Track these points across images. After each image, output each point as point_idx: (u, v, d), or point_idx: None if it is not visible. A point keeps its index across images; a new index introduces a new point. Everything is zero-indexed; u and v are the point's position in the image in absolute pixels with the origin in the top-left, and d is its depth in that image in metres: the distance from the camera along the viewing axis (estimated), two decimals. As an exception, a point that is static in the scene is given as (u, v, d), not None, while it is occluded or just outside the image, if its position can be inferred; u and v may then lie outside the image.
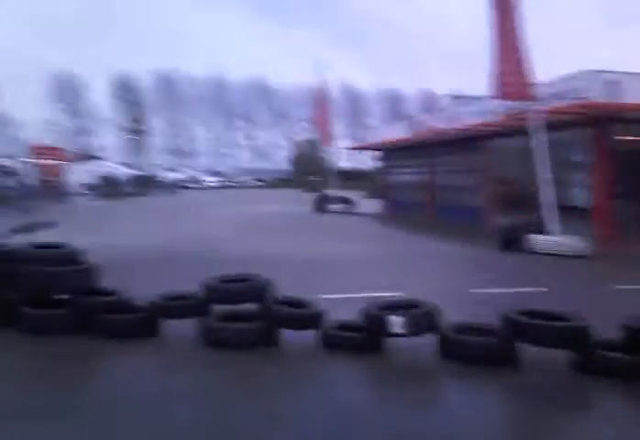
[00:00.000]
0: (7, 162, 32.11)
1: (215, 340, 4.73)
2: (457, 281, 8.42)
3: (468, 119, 18.60)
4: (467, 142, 19.33)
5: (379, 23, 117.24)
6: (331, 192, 27.24)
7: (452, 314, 5.19)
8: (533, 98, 12.38)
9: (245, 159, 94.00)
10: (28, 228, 10.82)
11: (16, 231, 9.64)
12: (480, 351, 4.44)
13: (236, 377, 4.12)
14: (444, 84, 75.91)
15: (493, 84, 12.19)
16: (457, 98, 28.57)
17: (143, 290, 6.15)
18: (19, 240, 7.19)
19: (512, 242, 12.40)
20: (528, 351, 4.41)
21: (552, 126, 13.63)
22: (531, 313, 4.47)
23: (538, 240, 11.91)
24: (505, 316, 4.48)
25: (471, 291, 7.52)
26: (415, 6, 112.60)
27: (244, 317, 4.99)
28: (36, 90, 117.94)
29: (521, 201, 17.19)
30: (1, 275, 5.12)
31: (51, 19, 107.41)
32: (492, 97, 12.90)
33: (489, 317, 4.68)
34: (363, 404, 3.75)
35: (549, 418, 3.56)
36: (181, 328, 5.03)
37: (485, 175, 18.68)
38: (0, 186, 25.84)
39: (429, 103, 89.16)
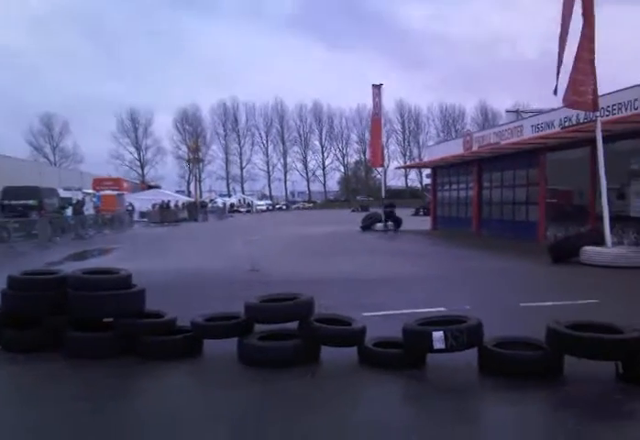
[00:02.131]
0: (70, 194, 33.53)
1: (255, 359, 4.76)
2: (508, 295, 8.19)
3: (525, 133, 18.39)
4: (521, 156, 19.01)
5: (434, 39, 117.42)
6: (379, 210, 27.16)
7: (501, 328, 5.06)
8: (597, 108, 12.10)
9: (297, 182, 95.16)
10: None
11: None
12: (524, 365, 4.29)
13: (274, 395, 4.11)
14: (502, 100, 75.31)
15: (566, 93, 11.99)
16: (515, 112, 28.27)
17: (187, 311, 6.28)
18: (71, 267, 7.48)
19: (566, 254, 12.01)
20: (575, 363, 4.25)
21: (612, 137, 13.31)
22: (578, 326, 4.32)
23: (594, 252, 11.47)
24: (551, 329, 4.34)
25: (522, 304, 7.31)
26: (472, 21, 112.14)
27: (284, 336, 5.01)
28: (103, 125, 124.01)
29: (576, 213, 16.72)
30: (51, 301, 5.31)
31: (115, 55, 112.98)
32: (564, 106, 12.68)
33: (538, 330, 4.53)
34: (401, 421, 3.68)
35: (591, 428, 3.42)
36: (223, 348, 5.08)
37: (539, 188, 18.25)
38: (62, 215, 26.96)
39: (487, 118, 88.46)
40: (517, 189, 19.99)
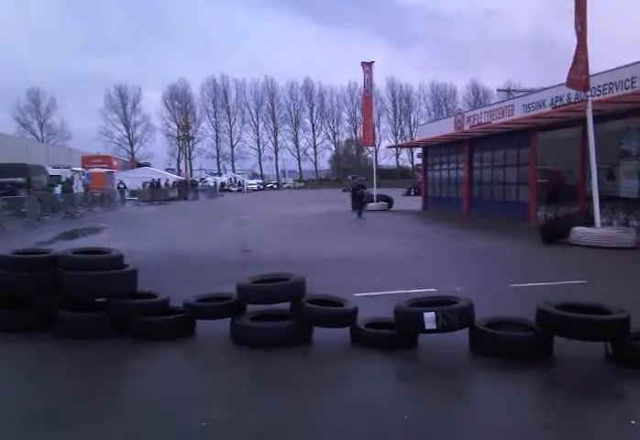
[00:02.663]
0: (58, 171, 33.17)
1: (247, 339, 4.78)
2: (498, 276, 8.26)
3: (516, 113, 18.34)
4: (512, 136, 19.00)
5: (426, 16, 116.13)
6: (371, 190, 27.14)
7: (491, 309, 5.11)
8: (588, 88, 12.06)
9: (288, 160, 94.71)
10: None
11: None
12: (514, 346, 4.35)
13: (266, 375, 4.15)
14: (494, 79, 75.05)
15: (569, 72, 11.91)
16: (506, 92, 28.18)
17: (180, 291, 6.29)
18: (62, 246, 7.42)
19: (556, 235, 12.09)
20: (565, 344, 4.31)
21: (602, 117, 13.30)
22: (568, 307, 4.36)
23: (584, 232, 11.56)
24: (541, 309, 4.39)
25: (512, 285, 7.38)
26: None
27: (276, 316, 5.04)
28: (91, 101, 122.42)
29: (566, 193, 16.80)
30: (42, 280, 5.28)
31: (103, 32, 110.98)
32: (566, 85, 12.55)
33: (528, 311, 4.58)
34: (393, 400, 3.73)
35: (581, 409, 3.48)
36: (216, 328, 5.10)
37: (530, 168, 18.29)
38: (51, 194, 26.72)
39: (478, 97, 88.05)
40: (508, 169, 20.02)
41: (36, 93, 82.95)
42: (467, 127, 21.73)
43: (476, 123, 21.22)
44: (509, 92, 28.27)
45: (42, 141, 77.20)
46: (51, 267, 5.35)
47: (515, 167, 19.47)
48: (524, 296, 6.53)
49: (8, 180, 25.28)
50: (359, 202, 22.32)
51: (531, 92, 19.32)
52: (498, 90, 32.79)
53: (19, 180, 25.64)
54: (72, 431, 3.26)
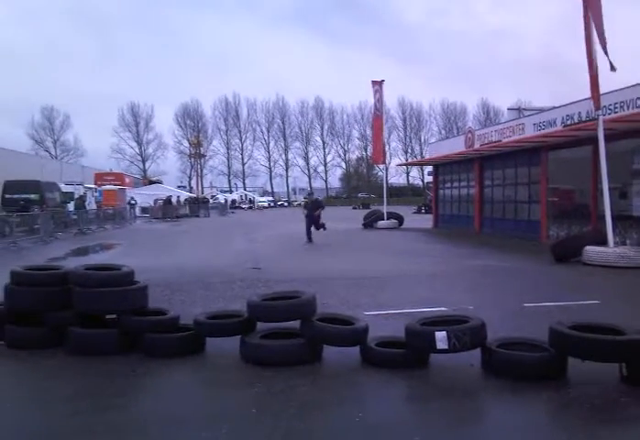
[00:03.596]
0: (71, 188, 33.52)
1: (257, 357, 4.76)
2: (510, 295, 8.18)
3: (526, 131, 18.36)
4: (523, 154, 18.99)
5: (436, 35, 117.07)
6: (381, 208, 27.13)
7: (503, 329, 5.05)
8: (599, 106, 12.03)
9: (298, 178, 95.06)
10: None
11: None
12: (527, 366, 4.29)
13: (276, 394, 4.11)
14: (504, 97, 75.14)
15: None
16: (517, 110, 28.24)
17: (189, 308, 6.30)
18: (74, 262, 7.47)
19: (568, 254, 11.99)
20: (579, 365, 4.24)
21: (614, 135, 13.26)
22: (581, 327, 4.31)
23: (596, 252, 11.45)
24: (554, 330, 4.33)
25: (525, 304, 7.31)
26: (473, 17, 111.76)
27: (286, 334, 5.01)
28: (104, 119, 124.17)
29: (578, 212, 16.70)
30: (54, 296, 5.31)
31: (117, 50, 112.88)
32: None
33: (541, 331, 4.52)
34: (403, 421, 3.68)
35: (596, 432, 3.41)
36: (225, 346, 5.09)
37: (541, 186, 18.24)
38: (64, 210, 26.96)
39: (488, 116, 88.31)
40: (519, 187, 19.98)
41: (50, 110, 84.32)
42: (477, 146, 21.76)
43: (486, 141, 21.25)
44: (519, 110, 28.29)
45: (56, 158, 78.14)
46: (63, 283, 5.38)
47: (526, 185, 19.43)
48: (536, 316, 6.47)
49: (22, 196, 25.60)
50: (312, 222, 17.86)
51: (541, 110, 19.35)
52: (508, 109, 32.91)
53: (33, 196, 25.97)
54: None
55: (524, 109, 28.62)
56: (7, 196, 26.30)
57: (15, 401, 4.15)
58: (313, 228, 17.82)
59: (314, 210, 17.98)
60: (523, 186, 19.74)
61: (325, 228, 18.26)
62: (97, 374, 4.58)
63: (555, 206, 17.78)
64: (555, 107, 17.61)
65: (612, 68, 11.20)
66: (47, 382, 4.46)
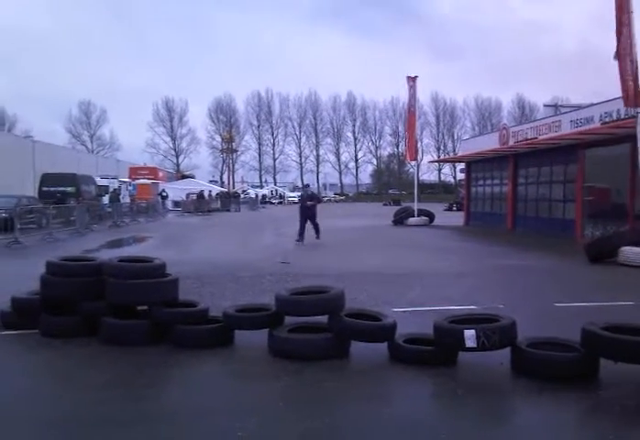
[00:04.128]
0: (106, 182, 34.17)
1: (285, 351, 4.79)
2: (542, 294, 8.05)
3: (563, 128, 18.00)
4: (559, 152, 18.63)
5: (471, 29, 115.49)
6: (412, 204, 26.95)
7: (534, 328, 4.98)
8: (637, 104, 11.71)
9: (329, 174, 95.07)
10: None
11: None
12: (557, 367, 4.22)
13: (303, 388, 4.14)
14: (540, 93, 73.73)
15: (622, 88, 11.60)
16: (553, 107, 27.73)
17: (218, 301, 6.36)
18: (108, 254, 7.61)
19: (603, 254, 11.72)
20: (611, 367, 4.16)
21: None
22: (614, 328, 4.22)
23: (633, 252, 11.17)
24: (587, 330, 4.25)
25: (557, 304, 7.18)
26: (508, 10, 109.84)
27: (314, 329, 5.03)
28: (139, 114, 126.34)
29: (614, 211, 16.32)
30: (88, 287, 5.43)
31: (152, 46, 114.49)
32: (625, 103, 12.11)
33: (573, 332, 4.44)
34: (431, 418, 3.66)
35: (628, 434, 3.34)
36: (253, 339, 5.13)
37: (577, 185, 17.87)
38: (99, 203, 27.52)
39: (524, 112, 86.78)
40: (554, 185, 19.60)
41: (87, 105, 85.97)
42: (512, 143, 21.42)
43: (521, 138, 20.90)
44: (556, 107, 27.78)
45: (92, 152, 79.74)
46: (97, 274, 5.50)
47: (562, 183, 19.05)
48: (568, 316, 6.35)
49: (59, 189, 26.22)
50: (308, 217, 15.98)
51: (579, 107, 18.93)
52: (545, 105, 32.32)
53: (69, 189, 26.57)
54: (112, 437, 3.31)
55: (561, 106, 28.10)
56: (45, 189, 26.95)
57: (48, 388, 4.28)
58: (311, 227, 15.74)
59: (305, 203, 16.13)
60: (557, 184, 19.36)
61: (318, 234, 15.77)
62: (128, 364, 4.67)
63: (590, 205, 17.39)
64: (593, 104, 17.19)
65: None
66: (80, 371, 4.56)
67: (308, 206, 15.96)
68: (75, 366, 4.68)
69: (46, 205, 20.59)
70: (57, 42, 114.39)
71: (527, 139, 20.21)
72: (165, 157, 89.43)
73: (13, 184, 31.54)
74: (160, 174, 54.38)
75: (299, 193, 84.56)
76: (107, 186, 33.10)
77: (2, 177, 30.62)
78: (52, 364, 4.80)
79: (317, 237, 15.77)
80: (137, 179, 44.75)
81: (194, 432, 3.38)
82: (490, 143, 23.40)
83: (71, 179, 27.64)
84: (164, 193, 42.21)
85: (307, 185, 20.19)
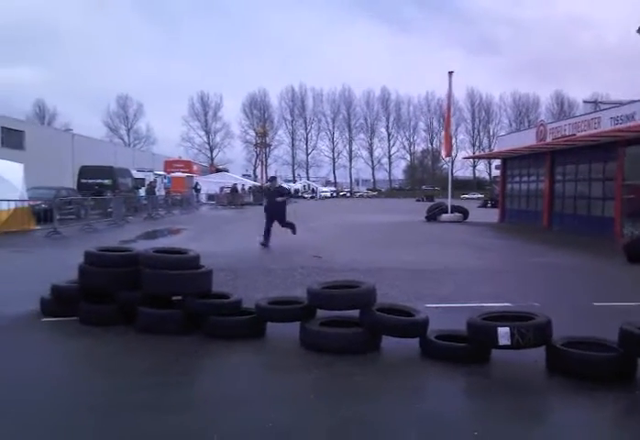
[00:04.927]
0: (142, 175, 34.74)
1: (317, 344, 4.81)
2: (578, 293, 7.90)
3: (602, 125, 17.58)
4: (598, 149, 18.19)
5: (508, 23, 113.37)
6: (445, 201, 26.68)
7: (570, 327, 4.89)
8: None
9: (362, 169, 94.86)
10: None
11: None
12: (594, 367, 4.14)
13: (335, 380, 4.15)
14: (580, 90, 72.04)
15: None
16: (593, 103, 27.11)
17: (250, 292, 6.43)
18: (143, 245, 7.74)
19: (642, 254, 11.38)
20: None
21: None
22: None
23: (674, 252, 10.82)
24: (625, 330, 4.16)
25: (594, 304, 7.04)
26: (547, 4, 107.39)
27: (346, 323, 5.04)
28: (174, 108, 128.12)
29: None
30: (125, 277, 5.55)
31: (190, 43, 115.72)
32: None
33: (610, 332, 4.35)
34: (462, 415, 3.64)
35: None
36: (284, 331, 5.17)
37: (616, 183, 17.42)
38: (135, 195, 28.01)
39: (562, 109, 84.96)
40: (592, 183, 19.16)
41: (124, 99, 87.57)
42: (549, 139, 21.00)
43: (559, 135, 20.47)
44: (596, 103, 27.11)
45: (129, 145, 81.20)
46: (134, 264, 5.61)
47: (600, 181, 18.61)
48: (606, 316, 6.22)
49: (96, 181, 26.80)
50: (277, 217, 13.47)
51: (619, 104, 18.43)
52: (584, 101, 31.59)
53: (106, 181, 27.13)
54: (146, 423, 3.38)
55: (601, 102, 27.39)
56: (83, 181, 27.58)
57: (86, 374, 4.39)
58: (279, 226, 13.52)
59: (273, 198, 13.62)
60: (596, 182, 18.92)
61: (294, 231, 13.59)
62: (164, 352, 4.76)
63: (630, 204, 16.94)
64: (634, 101, 16.72)
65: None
66: (118, 358, 4.67)
67: (276, 203, 13.39)
68: (114, 353, 4.80)
69: (84, 197, 21.07)
70: (97, 38, 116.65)
71: (565, 136, 19.79)
72: (199, 151, 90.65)
73: (53, 176, 32.41)
74: (195, 168, 55.06)
75: (332, 188, 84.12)
76: (143, 179, 33.67)
77: (43, 169, 31.48)
78: (92, 351, 4.92)
79: (294, 233, 13.62)
80: (172, 172, 45.39)
81: (225, 421, 3.43)
82: (526, 139, 23.00)
83: (108, 171, 28.21)
84: (198, 187, 42.72)
85: (274, 178, 16.63)
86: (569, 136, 19.45)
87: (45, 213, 16.73)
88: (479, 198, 43.21)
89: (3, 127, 37.71)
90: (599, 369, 4.14)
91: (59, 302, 5.82)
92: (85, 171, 28.32)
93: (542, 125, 22.88)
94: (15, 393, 3.80)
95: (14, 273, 8.92)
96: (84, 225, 17.59)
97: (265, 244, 12.93)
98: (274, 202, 13.42)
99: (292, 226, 13.61)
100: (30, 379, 4.10)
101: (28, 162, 20.18)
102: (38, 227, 16.08)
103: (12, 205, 15.24)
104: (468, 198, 47.87)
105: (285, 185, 14.87)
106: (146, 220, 22.55)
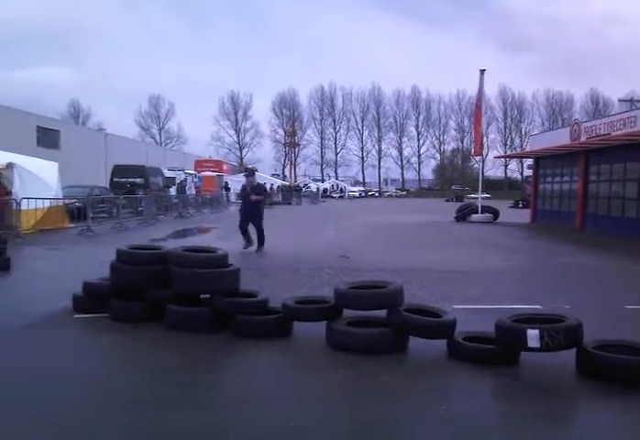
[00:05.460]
0: (173, 174, 35.14)
1: (343, 344, 4.81)
2: (611, 296, 7.72)
3: (639, 124, 17.16)
4: (634, 149, 17.77)
5: (541, 20, 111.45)
6: (475, 201, 26.38)
7: (602, 330, 4.80)
8: None
9: (391, 169, 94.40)
10: None
11: None
12: (626, 371, 4.04)
13: (361, 380, 4.15)
14: (615, 88, 70.48)
15: None
16: (629, 102, 26.52)
17: (277, 291, 6.45)
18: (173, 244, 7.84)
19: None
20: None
21: None
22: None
23: None
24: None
25: (627, 306, 6.88)
26: (583, 3, 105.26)
27: (372, 323, 5.03)
28: (205, 108, 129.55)
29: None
30: (155, 275, 5.63)
31: (220, 43, 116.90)
32: None
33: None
34: (489, 418, 3.60)
35: None
36: (311, 331, 5.18)
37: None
38: (166, 194, 28.38)
39: (597, 107, 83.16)
40: (627, 183, 18.71)
41: (156, 99, 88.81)
42: (584, 138, 20.58)
43: (594, 134, 20.04)
44: (632, 102, 26.48)
45: (160, 145, 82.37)
46: (163, 262, 5.69)
47: (636, 182, 18.16)
48: (638, 319, 6.08)
49: (129, 180, 27.23)
50: (250, 217, 11.92)
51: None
52: (619, 100, 30.90)
53: (138, 180, 27.52)
54: (172, 419, 3.43)
55: (637, 101, 26.76)
56: (115, 179, 28.03)
57: (115, 369, 4.48)
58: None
59: (248, 195, 12.10)
60: (632, 182, 18.47)
61: (260, 246, 11.78)
62: (192, 350, 4.82)
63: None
64: (672, 98, 16.28)
65: None
66: (148, 354, 4.75)
67: (252, 202, 11.95)
68: (144, 349, 4.88)
69: (116, 195, 21.45)
70: (129, 38, 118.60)
71: (600, 135, 19.37)
72: (229, 150, 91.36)
73: (87, 175, 33.06)
74: (225, 167, 55.54)
75: (360, 188, 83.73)
76: (174, 178, 34.08)
77: (77, 168, 32.13)
78: (122, 347, 5.02)
79: (258, 249, 11.72)
80: (203, 171, 45.84)
81: (251, 419, 3.45)
82: (560, 139, 22.59)
83: (140, 170, 28.62)
84: (228, 186, 43.07)
85: (251, 172, 13.41)
86: (604, 135, 19.04)
87: (78, 211, 17.07)
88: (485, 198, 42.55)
89: (39, 127, 38.54)
90: (630, 373, 4.04)
91: (90, 299, 5.94)
92: (118, 170, 28.78)
93: (576, 124, 22.44)
94: (47, 389, 3.89)
95: (48, 270, 9.14)
96: (116, 223, 17.90)
97: (248, 245, 11.74)
98: (249, 201, 12.00)
99: (261, 240, 11.89)
100: (61, 375, 4.19)
101: (63, 161, 20.64)
102: (72, 225, 16.42)
103: (47, 204, 15.59)
104: (474, 198, 46.92)
105: (259, 182, 13.54)
106: (176, 219, 22.84)
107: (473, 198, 42.35)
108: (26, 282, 8.11)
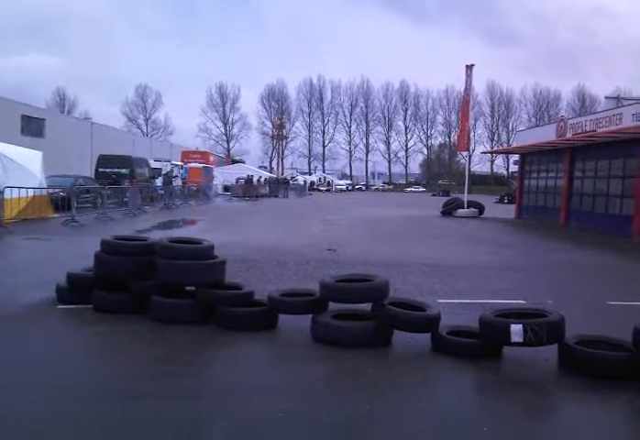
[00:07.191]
0: (159, 165, 34.87)
1: (328, 337, 4.82)
2: (594, 292, 7.82)
3: (624, 122, 17.30)
4: (618, 146, 17.91)
5: (530, 16, 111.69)
6: (461, 196, 26.50)
7: (584, 326, 4.85)
8: None
9: (378, 163, 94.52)
10: None
11: None
12: (606, 366, 4.10)
13: (344, 373, 4.16)
14: (602, 85, 70.88)
15: None
16: (615, 99, 26.72)
17: (264, 285, 6.45)
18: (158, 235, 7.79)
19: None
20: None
21: None
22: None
23: (694, 252, 10.68)
24: (638, 330, 4.11)
25: (609, 302, 6.96)
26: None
27: (357, 316, 5.04)
28: (193, 99, 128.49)
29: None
30: (139, 266, 5.59)
31: (209, 34, 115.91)
32: None
33: (626, 331, 4.30)
34: (472, 411, 3.63)
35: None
36: (296, 323, 5.18)
37: (636, 180, 17.17)
38: (152, 185, 28.17)
39: (584, 104, 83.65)
40: (612, 180, 18.89)
41: (143, 89, 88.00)
42: (569, 135, 20.73)
43: (580, 131, 20.19)
44: (618, 99, 26.68)
45: (147, 135, 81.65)
46: (149, 253, 5.65)
47: (620, 179, 18.34)
48: (620, 315, 6.16)
49: (114, 170, 26.96)
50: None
51: (643, 99, 18.13)
52: (606, 97, 31.11)
53: (124, 171, 27.24)
54: (156, 410, 3.42)
55: (624, 98, 26.97)
56: (101, 169, 27.74)
57: (99, 360, 4.45)
58: None
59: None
60: (616, 179, 18.65)
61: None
62: (176, 341, 4.80)
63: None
64: (657, 96, 16.44)
65: None
66: (130, 345, 4.73)
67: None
68: (127, 341, 4.85)
69: (101, 186, 21.24)
70: (118, 28, 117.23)
71: (586, 132, 19.52)
72: (217, 142, 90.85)
73: (72, 165, 32.72)
74: (212, 159, 55.19)
75: (347, 181, 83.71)
76: (160, 169, 33.82)
77: (62, 157, 31.78)
78: (105, 338, 4.98)
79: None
80: (189, 162, 45.54)
81: (235, 410, 3.45)
82: (546, 135, 22.72)
83: (125, 161, 28.33)
84: (219, 178, 42.88)
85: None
86: (590, 132, 19.19)
87: (63, 201, 16.89)
88: (422, 192, 42.64)
89: (23, 115, 38.01)
90: (611, 369, 4.10)
91: (74, 290, 5.89)
92: (103, 160, 28.47)
93: (562, 120, 22.58)
94: (28, 379, 3.86)
95: (31, 260, 9.05)
96: (101, 213, 17.74)
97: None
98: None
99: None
100: (43, 366, 4.17)
101: (48, 150, 20.35)
102: (56, 215, 16.26)
103: (30, 193, 15.39)
104: (413, 191, 46.72)
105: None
106: (162, 210, 22.70)
107: (412, 192, 42.28)
108: (8, 272, 8.01)
